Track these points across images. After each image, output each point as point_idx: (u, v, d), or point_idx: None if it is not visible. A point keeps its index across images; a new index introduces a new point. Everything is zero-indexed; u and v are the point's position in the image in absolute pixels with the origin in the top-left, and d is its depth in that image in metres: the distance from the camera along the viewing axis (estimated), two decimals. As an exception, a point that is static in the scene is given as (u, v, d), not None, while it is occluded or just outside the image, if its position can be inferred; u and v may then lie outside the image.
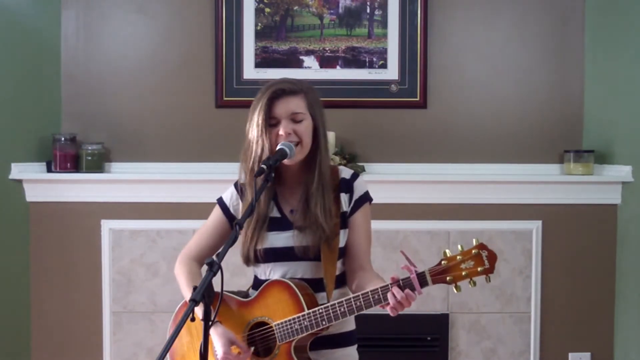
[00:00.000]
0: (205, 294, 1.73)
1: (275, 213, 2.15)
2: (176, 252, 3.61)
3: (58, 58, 3.64)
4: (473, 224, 3.58)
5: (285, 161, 2.06)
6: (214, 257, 1.79)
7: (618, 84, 3.56)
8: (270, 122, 2.07)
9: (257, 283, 2.19)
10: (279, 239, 2.12)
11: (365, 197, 2.19)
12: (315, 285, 2.11)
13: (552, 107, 3.69)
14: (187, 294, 2.16)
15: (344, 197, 2.16)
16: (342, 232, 2.14)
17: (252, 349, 2.08)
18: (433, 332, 3.58)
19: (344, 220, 2.15)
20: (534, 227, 3.61)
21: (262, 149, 2.07)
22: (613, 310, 3.62)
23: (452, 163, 3.66)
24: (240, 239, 2.12)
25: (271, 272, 2.15)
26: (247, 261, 2.15)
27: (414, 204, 3.59)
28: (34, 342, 3.61)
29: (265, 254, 2.12)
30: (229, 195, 2.23)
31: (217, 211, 2.24)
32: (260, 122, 2.06)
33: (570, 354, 3.64)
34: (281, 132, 2.06)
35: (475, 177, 3.60)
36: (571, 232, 3.63)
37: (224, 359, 2.03)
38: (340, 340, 2.17)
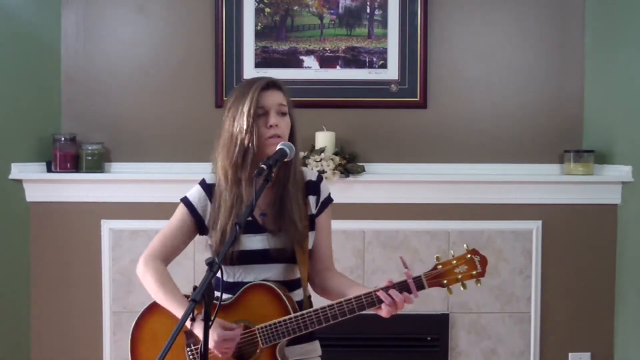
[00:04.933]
0: (205, 294, 1.73)
1: None
2: (176, 252, 3.62)
3: (58, 58, 3.64)
4: (473, 224, 3.58)
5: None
6: (214, 257, 1.79)
7: (618, 84, 3.56)
8: (258, 112, 2.08)
9: (227, 285, 2.12)
10: (252, 242, 2.11)
11: (330, 199, 2.23)
12: (288, 286, 2.12)
13: (552, 107, 3.69)
14: (158, 295, 2.09)
15: (311, 199, 2.18)
16: (310, 233, 2.15)
17: (240, 328, 2.02)
18: (433, 332, 3.58)
19: (312, 222, 2.17)
20: (534, 227, 3.61)
21: (250, 141, 2.06)
22: (613, 310, 3.62)
23: (452, 163, 3.66)
24: (213, 238, 2.11)
25: (242, 274, 2.12)
26: (221, 262, 2.09)
27: (414, 204, 3.59)
28: (34, 342, 3.61)
29: (238, 256, 2.09)
30: (196, 195, 2.19)
31: (182, 211, 2.19)
32: (252, 112, 2.06)
33: (570, 354, 3.64)
34: (272, 120, 2.06)
35: (475, 177, 3.60)
36: (571, 232, 3.63)
37: (220, 343, 1.96)
38: (306, 336, 2.11)
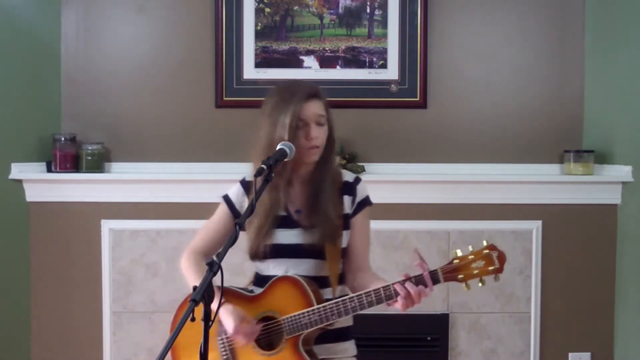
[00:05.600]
0: (205, 294, 1.73)
1: (281, 211, 2.20)
2: (176, 252, 3.61)
3: (58, 58, 3.64)
4: (473, 224, 3.58)
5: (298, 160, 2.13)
6: (214, 257, 1.79)
7: (618, 84, 3.56)
8: (298, 125, 2.13)
9: (260, 279, 2.25)
10: (285, 236, 2.18)
11: (367, 201, 2.26)
12: (318, 282, 2.17)
13: (552, 107, 3.69)
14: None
15: (347, 199, 2.23)
16: (344, 233, 2.20)
17: (260, 325, 2.14)
18: (433, 332, 3.58)
19: (346, 222, 2.21)
20: (534, 227, 3.61)
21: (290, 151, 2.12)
22: (613, 310, 3.62)
23: (452, 163, 3.66)
24: (248, 235, 2.20)
25: (274, 268, 2.20)
26: (254, 256, 2.21)
27: (414, 204, 3.59)
28: (34, 341, 3.61)
29: (271, 250, 2.17)
30: (235, 192, 2.29)
31: (223, 207, 2.29)
32: (293, 124, 2.11)
33: (570, 354, 3.64)
34: (313, 134, 2.13)
35: (475, 177, 3.60)
36: (571, 232, 3.63)
37: (235, 333, 2.09)
38: (340, 335, 2.22)
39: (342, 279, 2.24)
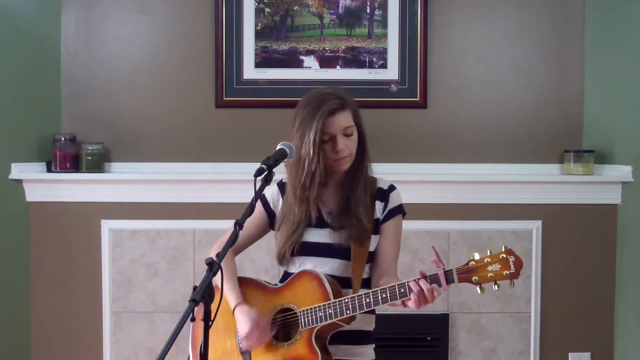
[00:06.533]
0: (205, 294, 1.73)
1: (314, 212, 2.24)
2: (176, 252, 3.65)
3: (58, 58, 3.64)
4: (473, 224, 3.58)
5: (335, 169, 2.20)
6: (214, 257, 1.80)
7: (618, 84, 3.56)
8: (324, 139, 2.16)
9: (286, 276, 2.29)
10: (315, 235, 2.23)
11: (399, 209, 2.30)
12: (341, 283, 2.20)
13: (552, 107, 3.69)
14: (225, 284, 2.19)
15: (379, 204, 2.27)
16: (373, 237, 2.25)
17: (275, 330, 2.19)
18: (433, 332, 3.58)
19: (376, 227, 2.26)
20: (534, 227, 3.61)
21: (317, 165, 2.15)
22: (613, 310, 3.62)
23: (452, 163, 3.66)
24: (276, 240, 2.26)
25: (300, 265, 2.24)
26: (282, 258, 2.25)
27: (414, 204, 3.56)
28: (34, 341, 3.61)
29: (301, 247, 2.22)
30: (271, 191, 2.33)
31: (257, 206, 2.28)
32: (317, 140, 2.13)
33: (570, 354, 3.64)
34: (340, 146, 2.16)
35: (475, 177, 3.60)
36: (571, 232, 3.63)
37: (245, 337, 2.15)
38: (359, 337, 2.26)
39: (367, 285, 2.26)
